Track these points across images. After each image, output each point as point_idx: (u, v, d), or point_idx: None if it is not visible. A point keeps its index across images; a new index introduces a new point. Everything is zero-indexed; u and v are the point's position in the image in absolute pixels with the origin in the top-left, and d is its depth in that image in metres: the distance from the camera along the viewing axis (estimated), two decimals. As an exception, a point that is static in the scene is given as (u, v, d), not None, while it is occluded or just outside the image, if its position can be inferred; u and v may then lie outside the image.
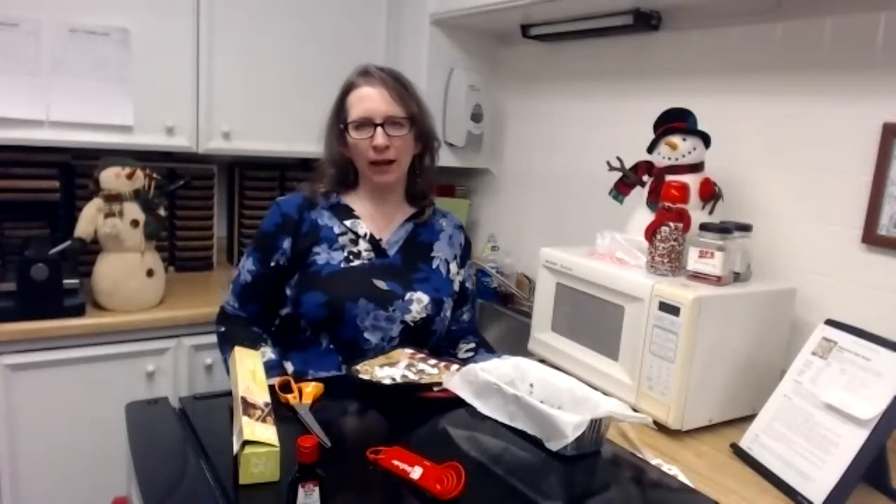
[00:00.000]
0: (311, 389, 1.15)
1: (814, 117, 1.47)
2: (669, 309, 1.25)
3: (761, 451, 1.15)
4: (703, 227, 1.33)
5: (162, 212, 1.88)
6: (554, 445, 1.01)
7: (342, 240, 1.43)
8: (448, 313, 1.49)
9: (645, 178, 1.58)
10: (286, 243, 1.42)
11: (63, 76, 1.83)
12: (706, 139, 1.48)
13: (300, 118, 2.15)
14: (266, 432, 0.90)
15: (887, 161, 1.33)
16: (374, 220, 1.47)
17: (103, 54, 1.88)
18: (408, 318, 1.40)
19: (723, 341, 1.27)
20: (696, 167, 1.48)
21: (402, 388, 1.19)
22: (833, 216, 1.43)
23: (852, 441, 1.03)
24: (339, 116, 1.43)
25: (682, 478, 1.07)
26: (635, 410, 1.15)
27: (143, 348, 1.83)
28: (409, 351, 1.33)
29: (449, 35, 2.27)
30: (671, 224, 1.35)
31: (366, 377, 1.20)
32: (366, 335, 1.37)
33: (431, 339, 1.46)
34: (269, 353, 1.39)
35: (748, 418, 1.25)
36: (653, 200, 1.50)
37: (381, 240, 1.46)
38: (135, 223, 1.78)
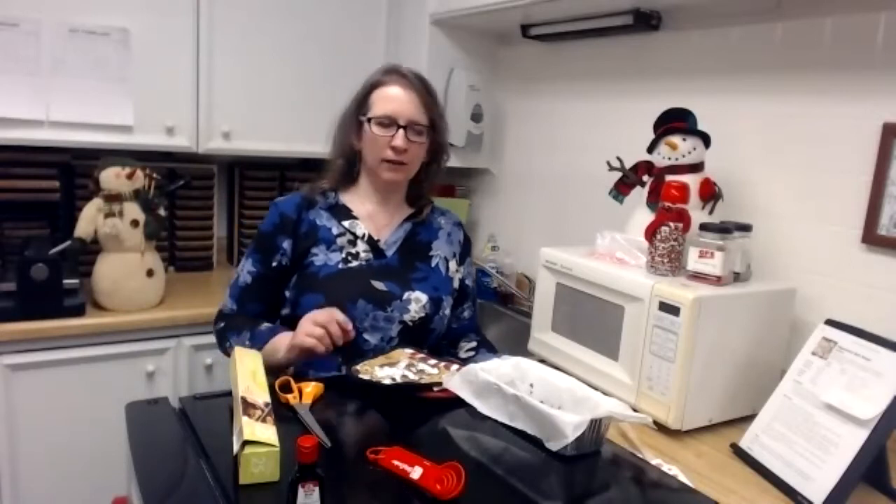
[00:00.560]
0: (311, 389, 1.15)
1: (814, 117, 1.47)
2: (669, 309, 1.25)
3: (761, 451, 1.15)
4: (703, 227, 1.33)
5: (162, 212, 1.88)
6: (554, 445, 1.01)
7: (340, 241, 1.43)
8: (447, 311, 1.49)
9: (645, 178, 1.58)
10: (286, 244, 1.42)
11: (63, 76, 1.83)
12: (706, 139, 1.48)
13: (300, 118, 2.16)
14: (266, 432, 0.90)
15: (887, 161, 1.33)
16: (372, 220, 1.47)
17: (103, 54, 1.88)
18: (406, 317, 1.40)
19: (723, 341, 1.27)
20: (696, 167, 1.48)
21: (402, 388, 1.19)
22: (833, 216, 1.43)
23: (852, 441, 1.03)
24: (361, 109, 1.43)
25: (682, 478, 1.07)
26: (635, 410, 1.15)
27: (143, 348, 1.83)
28: (409, 351, 1.33)
29: (449, 35, 2.27)
30: (671, 224, 1.35)
31: (366, 377, 1.20)
32: (365, 336, 1.37)
33: (431, 338, 1.46)
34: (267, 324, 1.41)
35: (748, 418, 1.25)
36: (653, 200, 1.50)
37: (378, 240, 1.46)
38: (135, 223, 1.78)
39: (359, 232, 1.45)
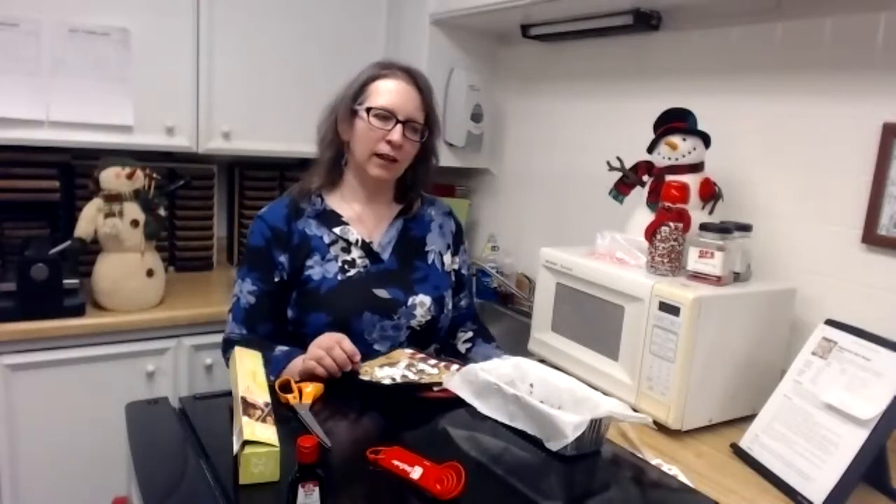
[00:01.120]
0: (311, 389, 1.15)
1: (814, 117, 1.47)
2: (669, 309, 1.25)
3: (761, 451, 1.15)
4: (703, 227, 1.33)
5: (162, 212, 1.88)
6: (554, 445, 1.01)
7: (334, 249, 1.39)
8: (450, 305, 1.48)
9: (645, 178, 1.58)
10: (283, 258, 1.38)
11: (63, 76, 1.83)
12: (706, 139, 1.48)
13: (300, 118, 2.13)
14: (266, 432, 0.90)
15: (887, 161, 1.33)
16: (362, 223, 1.44)
17: (103, 54, 1.88)
18: (413, 323, 1.40)
19: (723, 341, 1.27)
20: (696, 167, 1.48)
21: (402, 388, 1.19)
22: (833, 216, 1.43)
23: (852, 441, 1.03)
24: (357, 99, 1.37)
25: (682, 478, 1.07)
26: (635, 410, 1.15)
27: (143, 348, 1.83)
28: (409, 351, 1.33)
29: (449, 35, 2.27)
30: (671, 224, 1.35)
31: (366, 377, 1.20)
32: (375, 347, 1.36)
33: (438, 335, 1.46)
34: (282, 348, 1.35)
35: (748, 418, 1.25)
36: (653, 200, 1.50)
37: (371, 243, 1.42)
38: (135, 223, 1.78)
39: (351, 238, 1.41)
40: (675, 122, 1.51)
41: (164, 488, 0.90)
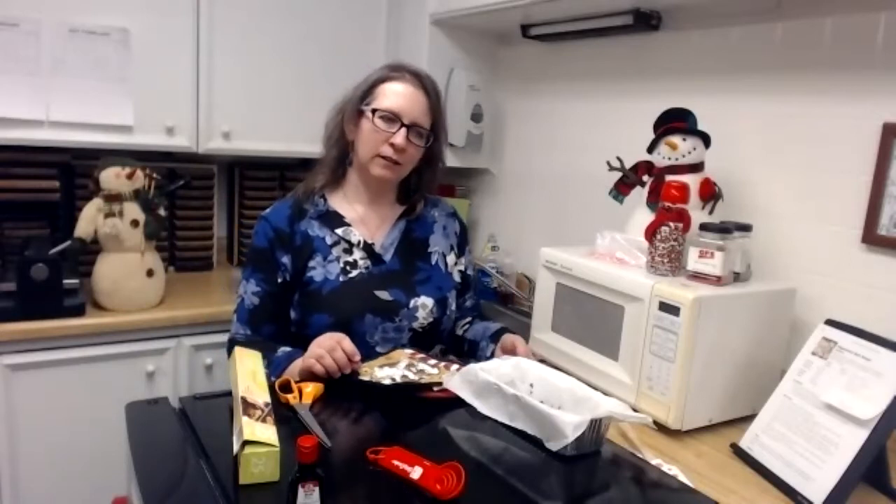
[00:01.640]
0: (311, 389, 1.15)
1: (814, 117, 1.47)
2: (669, 309, 1.25)
3: (761, 451, 1.15)
4: (703, 227, 1.33)
5: (162, 212, 1.88)
6: (554, 445, 1.02)
7: (336, 250, 1.40)
8: (453, 306, 1.48)
9: (645, 178, 1.58)
10: (286, 259, 1.38)
11: (63, 76, 1.83)
12: (706, 139, 1.48)
13: (300, 118, 2.15)
14: (266, 432, 0.90)
15: (887, 161, 1.33)
16: (365, 224, 1.44)
17: (103, 54, 1.88)
18: (415, 325, 1.40)
19: (723, 341, 1.27)
20: (696, 167, 1.48)
21: (402, 388, 1.19)
22: (833, 216, 1.43)
23: (852, 441, 1.03)
24: (364, 99, 1.38)
25: (682, 478, 1.07)
26: (635, 410, 1.15)
27: (143, 348, 1.83)
28: (408, 351, 1.33)
29: (449, 35, 2.27)
30: (671, 224, 1.35)
31: (366, 378, 1.20)
32: (377, 349, 1.36)
33: (442, 337, 1.46)
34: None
35: (748, 418, 1.25)
36: (653, 200, 1.50)
37: (373, 244, 1.42)
38: (135, 223, 1.78)
39: (353, 239, 1.41)
40: (675, 122, 1.51)
41: (164, 488, 0.90)
